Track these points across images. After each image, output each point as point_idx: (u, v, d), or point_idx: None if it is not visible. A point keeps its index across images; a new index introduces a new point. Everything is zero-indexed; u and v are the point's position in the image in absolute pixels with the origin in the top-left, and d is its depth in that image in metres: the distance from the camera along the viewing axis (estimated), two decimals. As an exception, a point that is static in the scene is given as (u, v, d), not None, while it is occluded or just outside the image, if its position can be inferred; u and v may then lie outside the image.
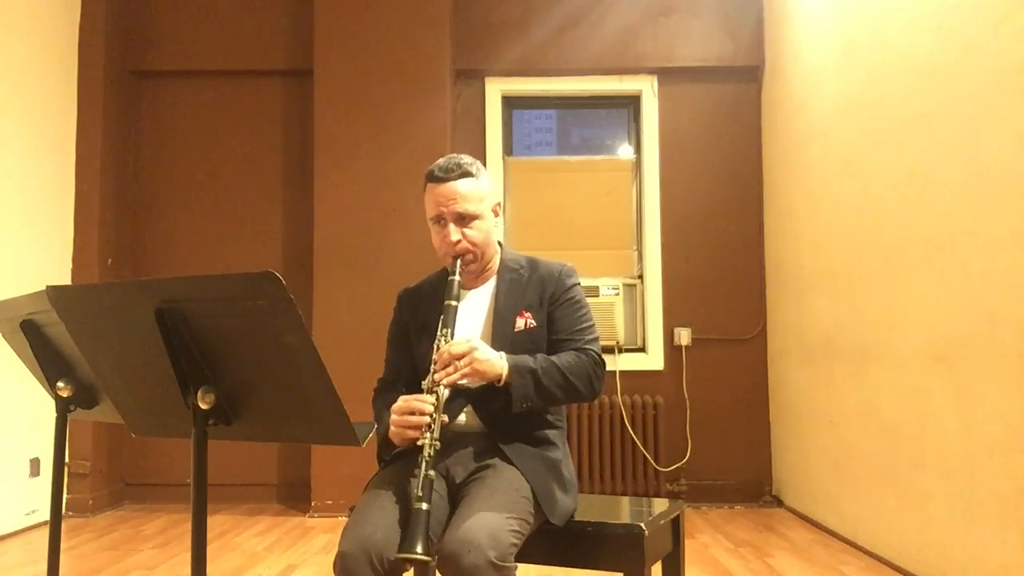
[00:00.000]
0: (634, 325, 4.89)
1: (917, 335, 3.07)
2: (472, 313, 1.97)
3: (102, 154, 4.59)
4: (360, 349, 4.19)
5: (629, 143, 5.11)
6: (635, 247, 4.97)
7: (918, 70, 3.08)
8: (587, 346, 1.91)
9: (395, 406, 1.77)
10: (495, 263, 2.03)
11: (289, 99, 4.94)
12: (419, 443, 1.70)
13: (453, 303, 1.86)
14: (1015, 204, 2.50)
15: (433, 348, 1.81)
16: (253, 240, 4.88)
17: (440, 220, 1.93)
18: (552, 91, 5.06)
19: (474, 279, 2.01)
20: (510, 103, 5.09)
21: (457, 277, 1.89)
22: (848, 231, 3.69)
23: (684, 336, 4.77)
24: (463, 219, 1.91)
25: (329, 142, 4.56)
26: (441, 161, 1.94)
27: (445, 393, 1.76)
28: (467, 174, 1.92)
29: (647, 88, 4.94)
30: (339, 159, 4.55)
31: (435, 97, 4.58)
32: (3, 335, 1.99)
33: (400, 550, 1.55)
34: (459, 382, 1.82)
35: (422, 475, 1.63)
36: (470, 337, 1.84)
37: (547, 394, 1.83)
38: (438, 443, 1.69)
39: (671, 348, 4.80)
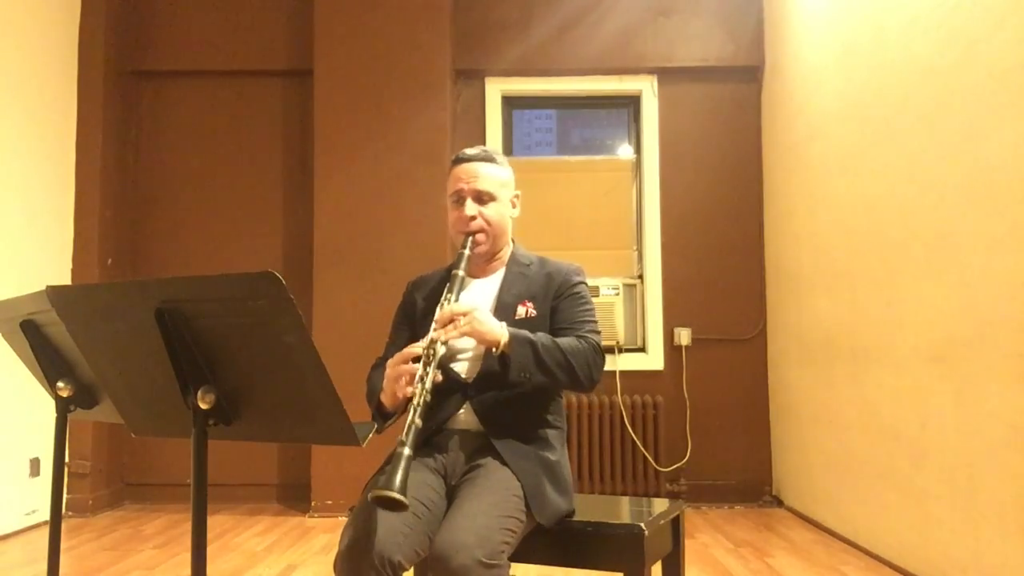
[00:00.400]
0: (634, 325, 4.89)
1: (917, 335, 3.07)
2: (477, 299, 1.99)
3: (102, 154, 4.59)
4: (360, 349, 4.17)
5: (629, 143, 5.11)
6: (635, 247, 4.97)
7: (918, 70, 3.08)
8: (587, 334, 1.92)
9: (390, 361, 1.80)
10: (505, 255, 2.06)
11: (289, 99, 4.94)
12: (409, 393, 1.71)
13: (459, 273, 1.90)
14: (1015, 204, 2.50)
15: (436, 312, 1.84)
16: (253, 240, 4.88)
17: (459, 198, 1.98)
18: (552, 91, 5.06)
19: (482, 268, 2.04)
20: (510, 103, 5.09)
21: (467, 251, 1.94)
22: (848, 231, 3.69)
23: (684, 336, 4.77)
24: (481, 198, 1.97)
25: (329, 142, 4.56)
26: (468, 148, 2.03)
27: (442, 350, 1.77)
28: (491, 159, 2.00)
29: (647, 88, 4.94)
30: (339, 159, 4.55)
31: (435, 97, 4.58)
32: (3, 335, 1.99)
33: (378, 486, 1.52)
34: (459, 374, 1.85)
35: (409, 422, 1.64)
36: (474, 302, 1.88)
37: (546, 369, 1.82)
38: (428, 395, 1.70)
39: (671, 348, 4.80)
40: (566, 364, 1.84)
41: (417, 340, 1.96)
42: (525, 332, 1.84)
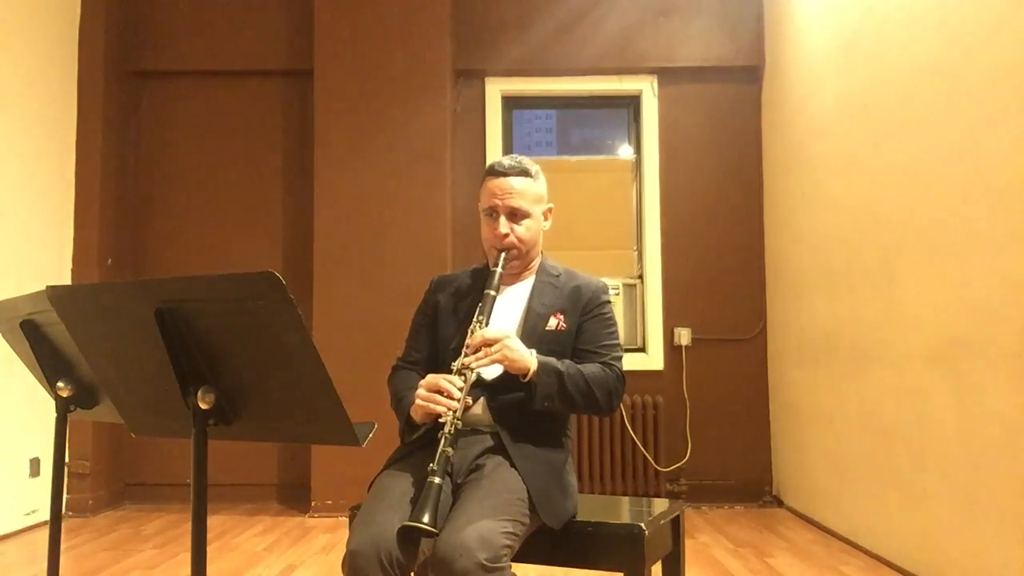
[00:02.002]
0: (634, 325, 4.89)
1: (917, 335, 3.07)
2: (507, 307, 2.01)
3: (102, 154, 4.59)
4: (361, 349, 4.20)
5: (629, 143, 5.11)
6: (635, 247, 4.97)
7: (918, 70, 3.08)
8: (612, 362, 1.96)
9: (423, 382, 1.83)
10: (535, 264, 2.09)
11: (289, 99, 4.94)
12: (440, 420, 1.75)
13: (492, 293, 1.92)
14: (1015, 204, 2.50)
15: (467, 333, 1.87)
16: (253, 240, 4.88)
17: (493, 212, 1.99)
18: (552, 91, 5.06)
19: (513, 277, 2.06)
20: (510, 103, 5.09)
21: (500, 269, 1.95)
22: (848, 231, 3.69)
23: (684, 336, 4.77)
24: (514, 215, 1.98)
25: (329, 142, 4.56)
26: (504, 158, 2.03)
27: (473, 377, 1.81)
28: (526, 173, 2.00)
29: (647, 88, 4.94)
30: (339, 159, 4.55)
31: (435, 97, 4.58)
32: (3, 335, 1.99)
33: (409, 519, 1.58)
34: (480, 371, 1.86)
35: (440, 451, 1.68)
36: (505, 328, 1.89)
37: (569, 399, 1.86)
38: (459, 423, 1.75)
39: (671, 348, 4.80)
40: (589, 394, 1.88)
41: (436, 341, 2.00)
42: (553, 361, 1.87)
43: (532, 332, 1.94)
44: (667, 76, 4.93)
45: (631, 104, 5.06)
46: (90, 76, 4.58)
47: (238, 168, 4.93)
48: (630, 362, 4.71)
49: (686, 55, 4.90)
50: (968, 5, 2.76)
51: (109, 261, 4.65)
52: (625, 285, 4.84)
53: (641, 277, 4.90)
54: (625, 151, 5.12)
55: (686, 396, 4.74)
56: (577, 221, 4.93)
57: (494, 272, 1.95)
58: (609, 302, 2.05)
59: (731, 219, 4.86)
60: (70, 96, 4.55)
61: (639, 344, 4.88)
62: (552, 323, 1.97)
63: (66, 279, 4.45)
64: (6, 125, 4.07)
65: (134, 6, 4.88)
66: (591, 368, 1.91)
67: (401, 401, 1.94)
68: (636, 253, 4.96)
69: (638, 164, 4.98)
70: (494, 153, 4.91)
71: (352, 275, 4.47)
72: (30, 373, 1.97)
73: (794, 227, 4.39)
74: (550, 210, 2.08)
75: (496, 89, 4.97)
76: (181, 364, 1.29)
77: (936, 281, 2.93)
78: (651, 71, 4.93)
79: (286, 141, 4.94)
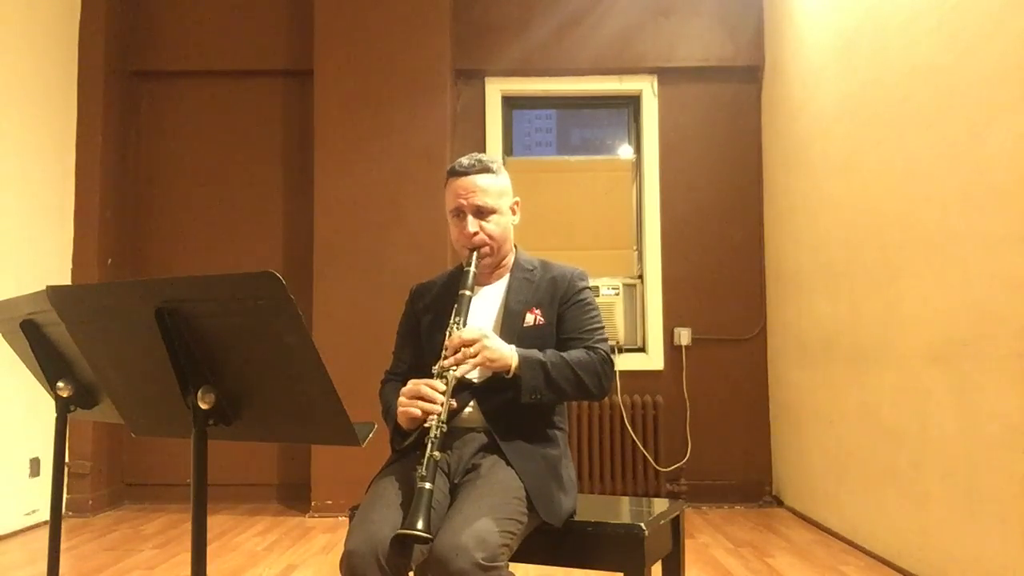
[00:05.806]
0: (634, 325, 4.89)
1: (917, 335, 3.07)
2: (483, 307, 2.00)
3: (102, 154, 4.59)
4: (361, 349, 4.20)
5: (629, 143, 5.11)
6: (635, 247, 4.97)
7: (918, 70, 3.08)
8: (596, 345, 1.94)
9: (405, 389, 1.81)
10: (509, 261, 2.07)
11: (289, 99, 4.94)
12: (426, 424, 1.74)
13: (467, 293, 1.90)
14: (1015, 204, 2.50)
15: (444, 336, 1.85)
16: (253, 240, 4.88)
17: (459, 213, 1.98)
18: (552, 91, 5.06)
19: (488, 275, 2.04)
20: (510, 103, 5.09)
21: (473, 268, 1.94)
22: (848, 231, 3.69)
23: (684, 336, 4.77)
24: (481, 212, 1.96)
25: (329, 142, 4.56)
26: (463, 158, 2.00)
27: (454, 379, 1.79)
28: (487, 170, 1.98)
29: (647, 88, 4.94)
30: (339, 159, 4.55)
31: (435, 97, 4.58)
32: (3, 335, 1.99)
33: (402, 527, 1.58)
34: (467, 376, 1.85)
35: (427, 455, 1.67)
36: (482, 327, 1.87)
37: (556, 387, 1.85)
38: (444, 426, 1.73)
39: (671, 348, 4.80)
40: (576, 380, 1.86)
41: (422, 353, 1.98)
42: (535, 352, 1.85)
43: (510, 330, 1.93)
44: (667, 76, 4.93)
45: (631, 104, 5.06)
46: (90, 76, 4.58)
47: (238, 168, 4.93)
48: (630, 362, 4.74)
49: (686, 55, 4.90)
50: (968, 5, 2.76)
51: (109, 261, 4.65)
52: (625, 285, 4.84)
53: (641, 277, 4.90)
54: (625, 151, 5.12)
55: (686, 396, 4.74)
56: (577, 221, 4.93)
57: (467, 272, 1.93)
58: (587, 288, 2.03)
59: (731, 219, 4.86)
60: (70, 96, 4.55)
61: (639, 344, 4.88)
62: (529, 319, 1.96)
63: (66, 279, 4.46)
64: (6, 125, 4.07)
65: (134, 6, 4.88)
66: (575, 354, 1.89)
67: (389, 411, 1.93)
68: (636, 253, 4.96)
69: (638, 164, 4.98)
70: (494, 153, 4.90)
71: (352, 275, 4.47)
72: (30, 373, 1.97)
73: (794, 227, 4.39)
74: (517, 203, 2.06)
75: (496, 89, 4.97)
76: (181, 364, 1.29)
77: (936, 281, 2.93)
78: (651, 71, 4.94)
79: (286, 141, 4.94)
